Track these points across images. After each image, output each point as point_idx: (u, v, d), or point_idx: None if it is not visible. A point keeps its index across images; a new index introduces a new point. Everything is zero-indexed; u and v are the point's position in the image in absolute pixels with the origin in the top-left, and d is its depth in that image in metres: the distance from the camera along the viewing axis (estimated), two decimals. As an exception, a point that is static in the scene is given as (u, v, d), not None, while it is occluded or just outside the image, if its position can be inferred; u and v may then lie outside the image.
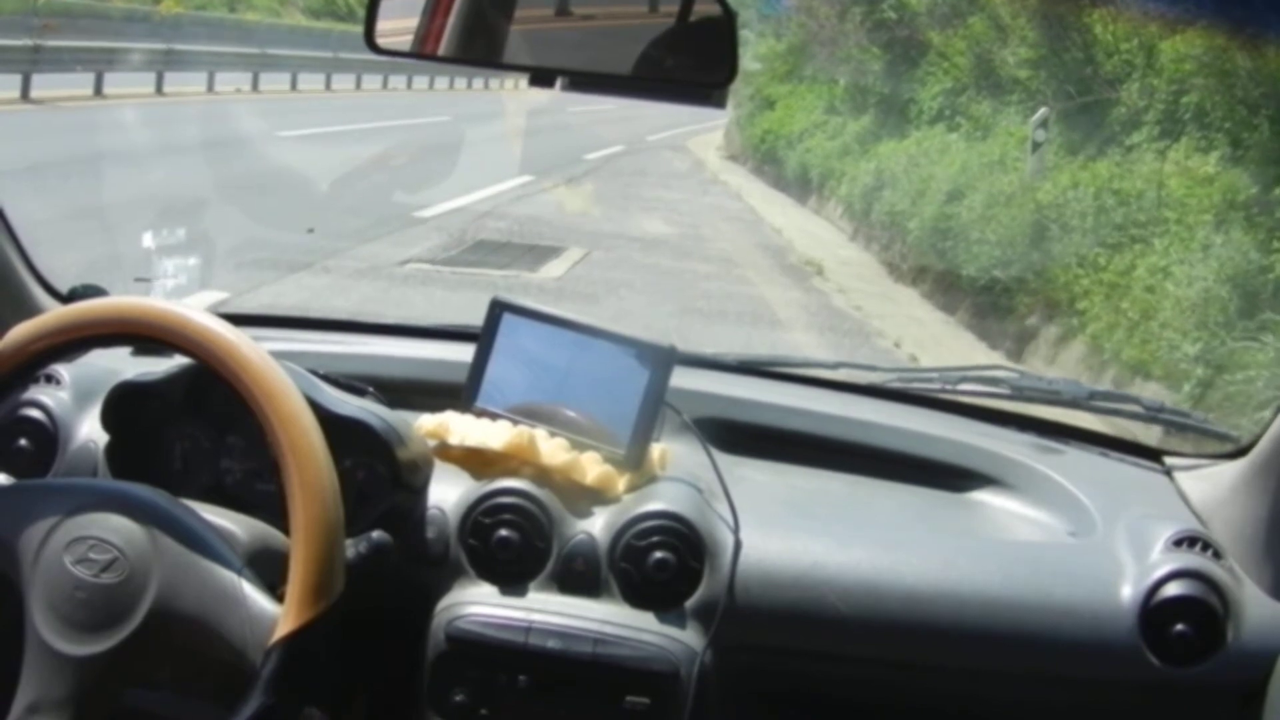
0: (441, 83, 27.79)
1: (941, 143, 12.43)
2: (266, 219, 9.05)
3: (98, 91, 16.16)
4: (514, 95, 27.91)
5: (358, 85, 24.16)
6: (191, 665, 1.37)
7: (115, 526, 1.35)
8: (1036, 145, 10.07)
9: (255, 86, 20.12)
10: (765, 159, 19.42)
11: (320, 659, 1.33)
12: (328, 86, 23.15)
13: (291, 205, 10.06)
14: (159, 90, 17.45)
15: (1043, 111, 10.25)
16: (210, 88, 18.78)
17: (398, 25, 1.68)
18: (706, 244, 11.65)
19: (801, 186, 16.68)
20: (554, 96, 29.00)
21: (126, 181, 9.63)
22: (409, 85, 26.37)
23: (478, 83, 28.73)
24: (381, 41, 1.64)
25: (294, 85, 21.83)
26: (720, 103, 1.62)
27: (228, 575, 1.34)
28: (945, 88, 13.42)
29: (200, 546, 1.36)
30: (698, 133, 27.02)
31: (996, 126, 11.77)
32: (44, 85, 14.86)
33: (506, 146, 18.05)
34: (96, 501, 1.37)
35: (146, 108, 16.16)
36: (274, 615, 1.32)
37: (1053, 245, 8.71)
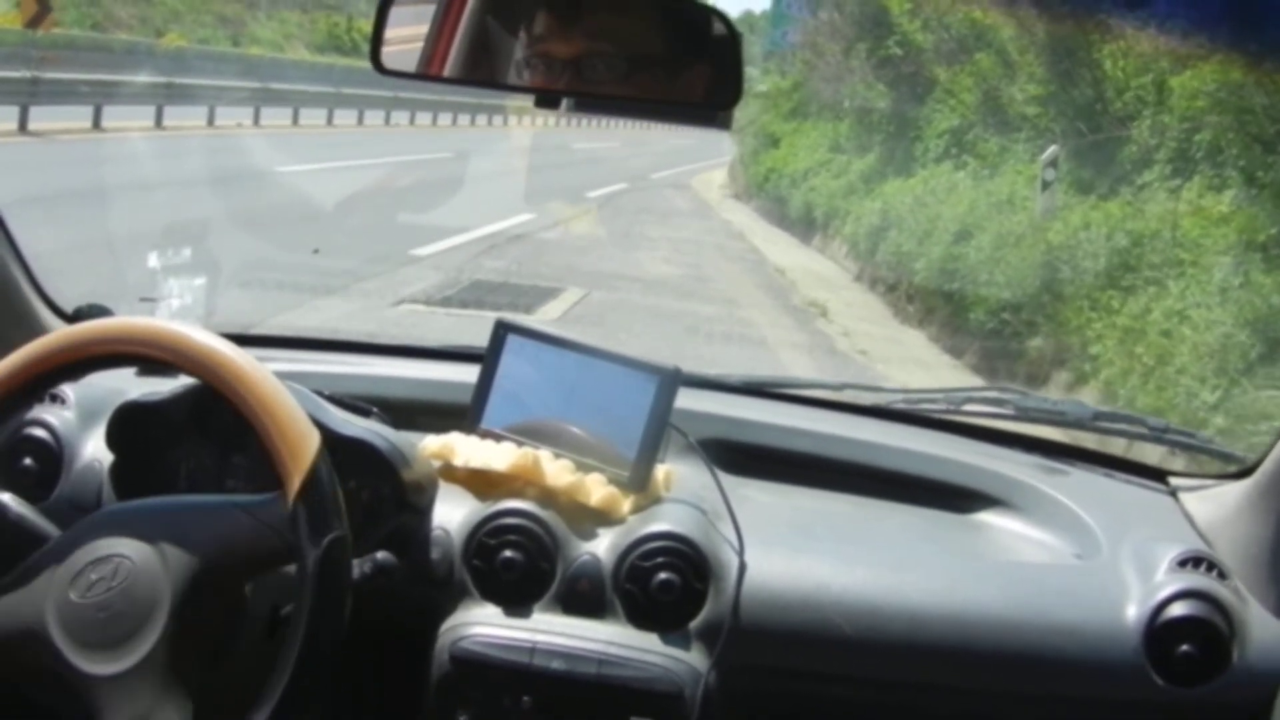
0: (444, 118, 28.20)
1: (948, 181, 12.47)
2: (253, 258, 9.04)
3: (96, 124, 16.35)
4: (516, 131, 28.29)
5: (360, 120, 24.50)
6: (232, 632, 1.45)
7: (106, 541, 1.40)
8: (1046, 184, 10.06)
9: (257, 121, 20.49)
10: (769, 197, 19.52)
11: (336, 492, 1.41)
12: (329, 121, 23.54)
13: (283, 242, 10.09)
14: (158, 124, 17.65)
15: (1053, 149, 10.26)
16: (211, 121, 19.10)
17: (403, 48, 1.71)
18: (709, 284, 11.66)
19: (806, 226, 16.72)
20: (557, 133, 29.18)
21: (116, 215, 9.65)
22: (411, 120, 26.70)
23: (480, 118, 29.36)
24: (388, 64, 1.68)
25: (295, 120, 22.16)
26: (726, 124, 1.68)
27: (219, 506, 1.44)
28: (952, 125, 13.52)
29: (187, 507, 1.46)
30: (702, 170, 27.16)
31: (1004, 165, 11.83)
32: (42, 118, 15.00)
33: (507, 183, 18.27)
34: (86, 532, 1.43)
35: (144, 141, 16.40)
36: (274, 496, 1.40)
37: (1064, 287, 8.63)
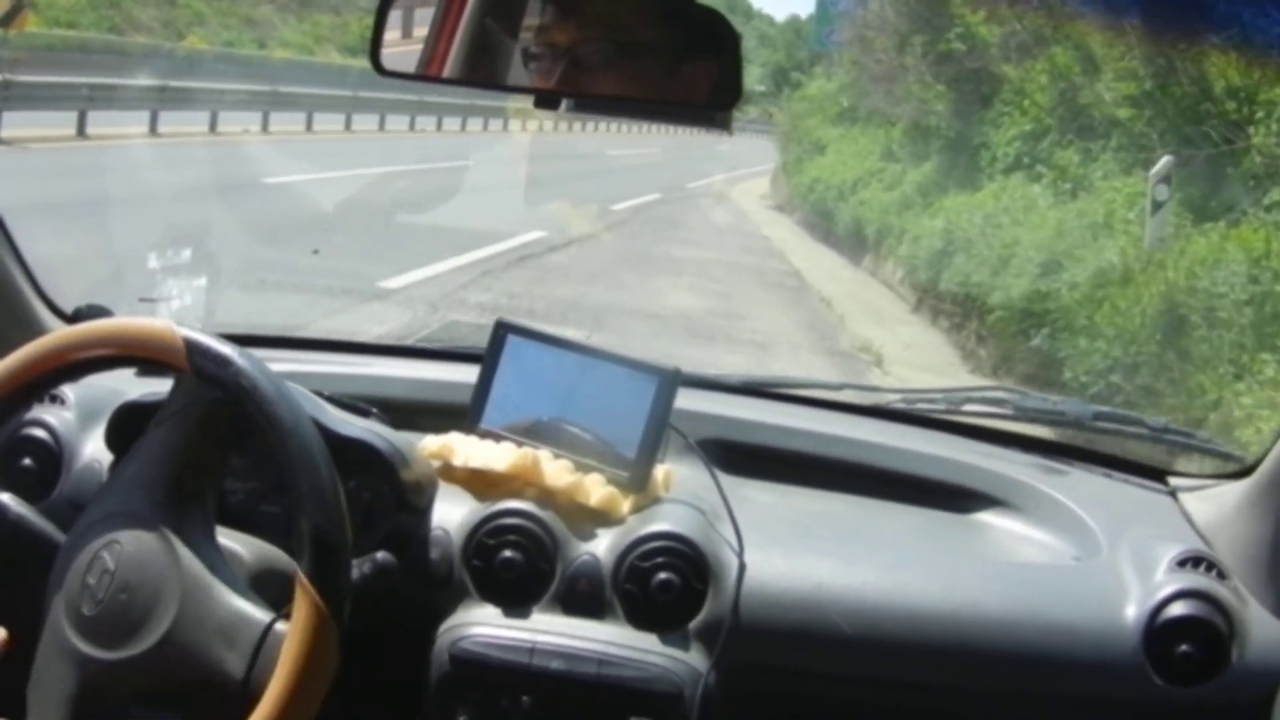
0: (474, 123, 29.06)
1: (1024, 197, 11.88)
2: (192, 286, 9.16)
3: (81, 131, 16.76)
4: (547, 137, 28.47)
5: (381, 126, 25.30)
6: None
7: (94, 546, 1.62)
8: (1157, 205, 9.23)
9: (265, 127, 21.13)
10: (814, 210, 19.96)
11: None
12: (347, 127, 24.30)
13: (235, 262, 9.52)
14: (153, 130, 18.09)
15: (1165, 161, 9.38)
16: (213, 127, 19.68)
17: (404, 49, 1.95)
18: (739, 322, 11.32)
19: (855, 243, 16.89)
20: (593, 139, 29.29)
21: (43, 237, 9.60)
22: (439, 126, 27.46)
23: (514, 124, 29.51)
24: (387, 64, 1.92)
25: (309, 126, 22.99)
26: (725, 125, 1.98)
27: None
28: (1023, 130, 13.16)
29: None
30: (744, 178, 27.49)
31: (1088, 177, 11.23)
32: (17, 124, 15.27)
33: (520, 195, 18.51)
34: (87, 529, 1.64)
35: (131, 150, 16.82)
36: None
37: (1195, 343, 7.53)
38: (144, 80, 19.12)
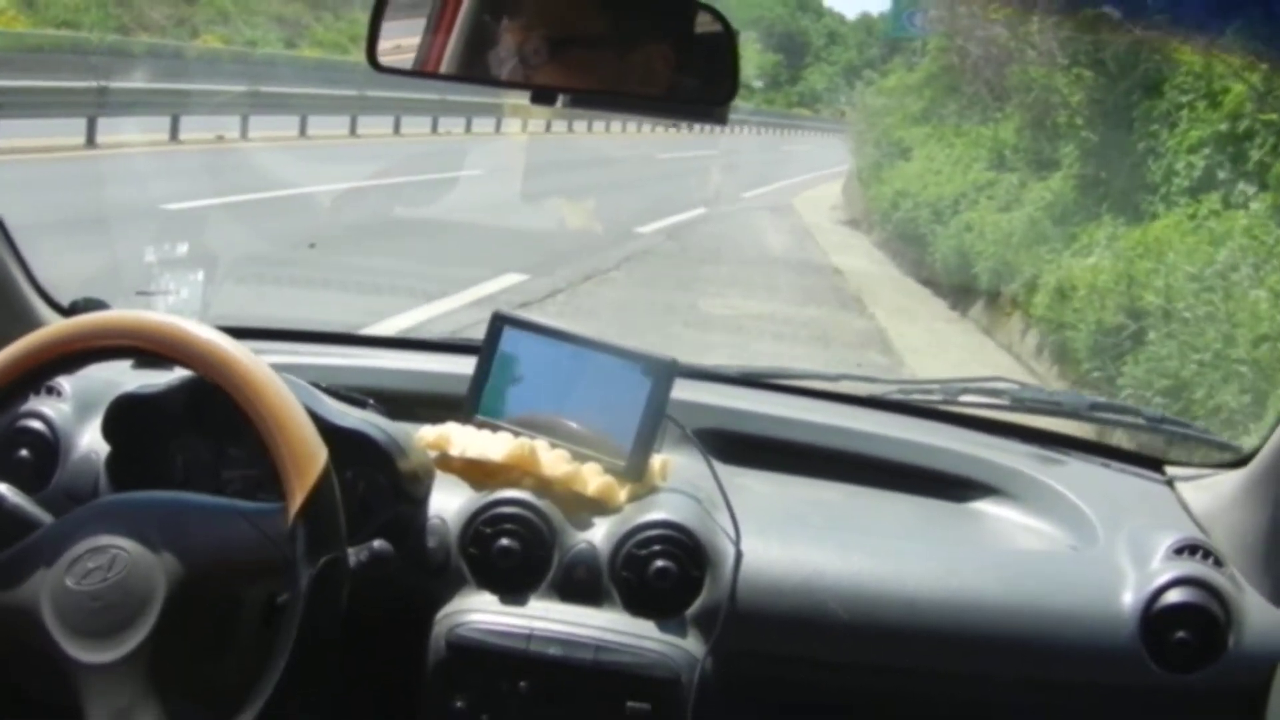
0: (512, 124, 24.99)
1: (1254, 239, 7.41)
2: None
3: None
4: (576, 139, 25.49)
5: (396, 129, 22.42)
6: (227, 623, 1.65)
7: (106, 533, 1.61)
8: None
9: (245, 134, 18.55)
10: (899, 232, 15.58)
11: (338, 510, 1.60)
12: (352, 131, 21.31)
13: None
14: (90, 141, 15.73)
15: None
16: (174, 135, 17.06)
17: (400, 43, 1.95)
18: None
19: (959, 283, 12.44)
20: (643, 141, 27.29)
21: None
22: (468, 128, 24.08)
23: (559, 124, 26.47)
24: (384, 61, 1.92)
25: (303, 130, 20.05)
26: (722, 119, 1.98)
27: (222, 510, 1.65)
28: (1215, 132, 9.06)
29: (190, 506, 1.66)
30: (811, 183, 24.18)
31: None
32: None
33: (536, 213, 15.03)
34: (88, 520, 1.65)
35: (42, 166, 14.09)
36: (279, 507, 1.59)
37: None
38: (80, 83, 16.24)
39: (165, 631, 1.58)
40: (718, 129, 29.41)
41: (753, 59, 51.67)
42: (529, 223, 13.97)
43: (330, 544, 1.60)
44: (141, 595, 1.59)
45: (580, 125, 27.34)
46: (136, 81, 18.06)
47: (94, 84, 16.15)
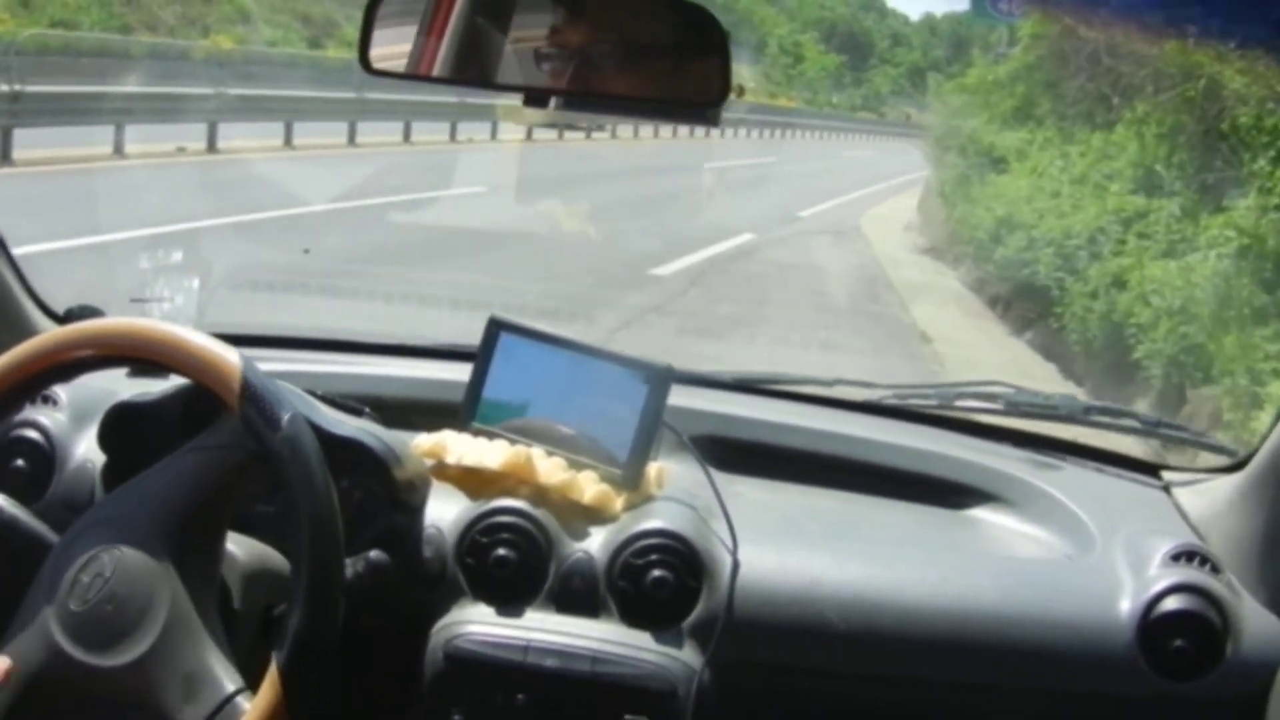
0: (545, 130, 22.02)
1: None
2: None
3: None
4: (599, 146, 22.69)
5: (406, 137, 20.40)
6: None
7: (90, 541, 1.61)
8: None
9: (212, 144, 16.42)
10: (1007, 275, 11.51)
11: (275, 386, 1.63)
12: (351, 140, 19.05)
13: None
14: (4, 157, 13.78)
15: None
16: (118, 149, 14.93)
17: (393, 49, 1.93)
18: None
19: (1117, 375, 8.50)
20: (691, 147, 24.69)
21: None
22: (493, 134, 21.27)
23: (623, 130, 24.07)
24: (376, 64, 1.91)
25: (288, 140, 17.84)
26: (714, 120, 1.99)
27: (176, 459, 1.67)
28: None
29: (145, 477, 1.68)
30: (879, 196, 21.23)
31: None
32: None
33: (525, 251, 11.89)
34: (69, 545, 1.63)
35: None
36: (220, 420, 1.63)
37: None
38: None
39: (181, 599, 1.59)
40: (779, 132, 27.96)
41: (814, 59, 50.75)
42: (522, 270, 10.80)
43: (283, 407, 1.62)
44: (144, 578, 1.60)
45: (626, 131, 25.17)
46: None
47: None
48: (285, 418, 1.60)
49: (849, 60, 57.09)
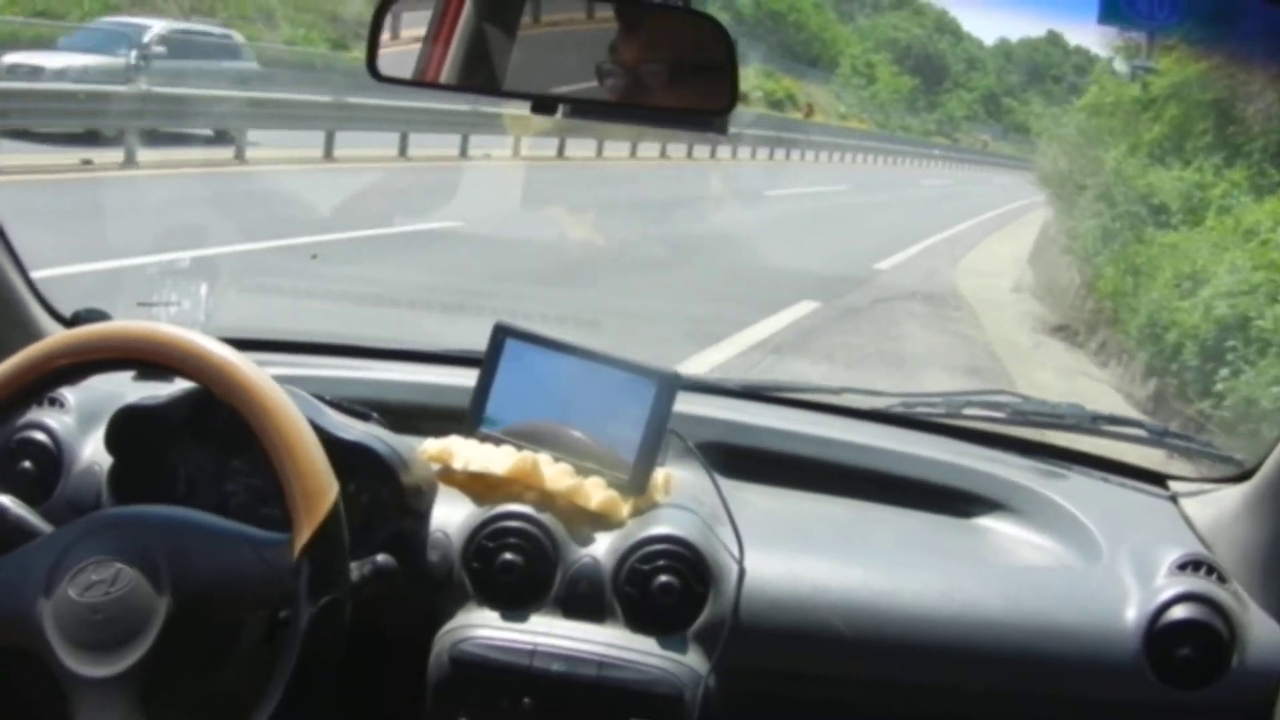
0: (581, 148, 19.72)
1: None
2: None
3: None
4: (645, 165, 20.30)
5: (402, 150, 17.42)
6: (229, 638, 1.65)
7: (111, 547, 1.60)
8: None
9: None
10: (1185, 391, 7.83)
11: (344, 549, 1.59)
12: (328, 154, 16.18)
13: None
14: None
15: None
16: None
17: (400, 52, 1.94)
18: None
19: None
20: (724, 167, 22.09)
21: None
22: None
23: (677, 149, 21.35)
24: (384, 70, 1.92)
25: (244, 154, 15.12)
26: (722, 129, 1.98)
27: (228, 535, 1.63)
28: None
29: (197, 528, 1.64)
30: (969, 237, 17.28)
31: None
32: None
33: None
34: (87, 532, 1.64)
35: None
36: (285, 539, 1.58)
37: None
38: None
39: (163, 651, 1.57)
40: (849, 156, 26.15)
41: (888, 81, 49.70)
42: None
43: (334, 584, 1.59)
44: (141, 614, 1.58)
45: (678, 150, 22.52)
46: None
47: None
48: (327, 599, 1.59)
49: (922, 84, 54.86)
